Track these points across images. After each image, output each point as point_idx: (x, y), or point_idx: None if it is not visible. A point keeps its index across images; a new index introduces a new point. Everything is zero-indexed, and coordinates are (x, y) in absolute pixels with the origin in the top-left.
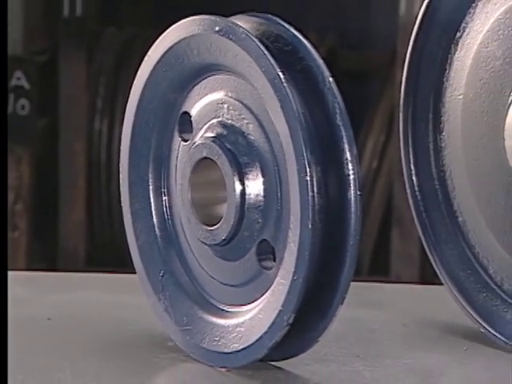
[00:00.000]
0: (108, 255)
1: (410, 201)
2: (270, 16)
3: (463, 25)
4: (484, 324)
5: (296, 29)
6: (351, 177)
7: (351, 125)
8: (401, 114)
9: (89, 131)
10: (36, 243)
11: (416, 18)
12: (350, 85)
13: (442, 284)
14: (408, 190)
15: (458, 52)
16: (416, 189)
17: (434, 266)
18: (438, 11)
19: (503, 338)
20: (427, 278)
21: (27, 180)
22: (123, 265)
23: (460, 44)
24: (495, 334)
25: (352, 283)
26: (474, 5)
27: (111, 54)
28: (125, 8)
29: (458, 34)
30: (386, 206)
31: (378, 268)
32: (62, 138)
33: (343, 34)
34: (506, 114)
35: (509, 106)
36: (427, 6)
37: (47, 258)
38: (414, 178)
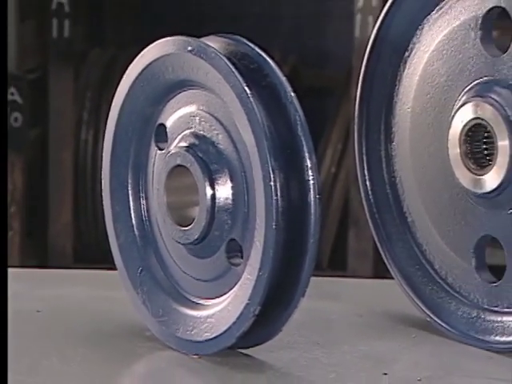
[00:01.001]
0: (93, 253)
1: (364, 203)
2: (237, 37)
3: (411, 45)
4: (430, 314)
5: (261, 49)
6: (311, 182)
7: (311, 135)
8: (355, 126)
9: (76, 141)
10: (28, 242)
11: (369, 39)
12: (311, 100)
13: (393, 278)
14: (362, 194)
15: (406, 70)
16: (369, 193)
17: (386, 262)
18: (389, 33)
19: (447, 327)
20: (380, 272)
21: (20, 185)
22: (107, 262)
23: (408, 63)
24: (440, 323)
25: (312, 278)
26: (420, 27)
27: (96, 71)
28: (108, 31)
29: (407, 54)
30: (344, 208)
31: (336, 264)
32: (51, 147)
33: (304, 54)
34: (450, 126)
35: (452, 119)
36: (378, 29)
37: (38, 256)
38: (367, 182)
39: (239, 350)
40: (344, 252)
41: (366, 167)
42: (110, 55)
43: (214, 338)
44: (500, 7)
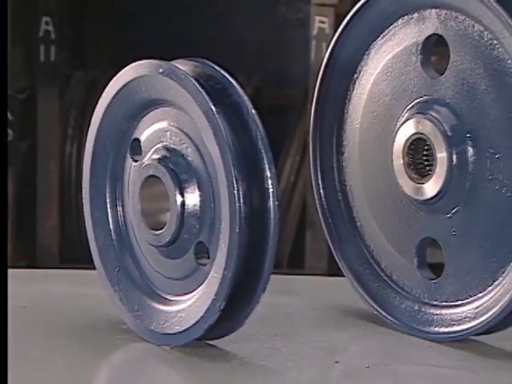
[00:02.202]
0: (77, 254)
1: (318, 209)
2: (204, 60)
3: (359, 68)
4: (377, 308)
5: (226, 71)
6: (270, 190)
7: (272, 148)
8: (310, 140)
9: (61, 154)
10: (18, 244)
11: (322, 63)
12: (273, 117)
13: (344, 276)
14: (317, 201)
15: (355, 90)
16: (323, 199)
17: (338, 261)
18: (339, 58)
19: (392, 319)
20: (334, 270)
21: (11, 193)
22: (89, 262)
23: (357, 83)
24: (386, 315)
25: (273, 275)
26: (367, 52)
27: (79, 91)
28: (90, 56)
29: (355, 76)
30: (301, 212)
31: (294, 263)
32: (39, 159)
33: (266, 76)
34: (394, 140)
35: (396, 133)
36: (330, 54)
37: (28, 257)
38: (321, 190)
39: (207, 341)
40: (302, 252)
41: (320, 176)
42: (91, 77)
43: (184, 330)
44: (437, 34)
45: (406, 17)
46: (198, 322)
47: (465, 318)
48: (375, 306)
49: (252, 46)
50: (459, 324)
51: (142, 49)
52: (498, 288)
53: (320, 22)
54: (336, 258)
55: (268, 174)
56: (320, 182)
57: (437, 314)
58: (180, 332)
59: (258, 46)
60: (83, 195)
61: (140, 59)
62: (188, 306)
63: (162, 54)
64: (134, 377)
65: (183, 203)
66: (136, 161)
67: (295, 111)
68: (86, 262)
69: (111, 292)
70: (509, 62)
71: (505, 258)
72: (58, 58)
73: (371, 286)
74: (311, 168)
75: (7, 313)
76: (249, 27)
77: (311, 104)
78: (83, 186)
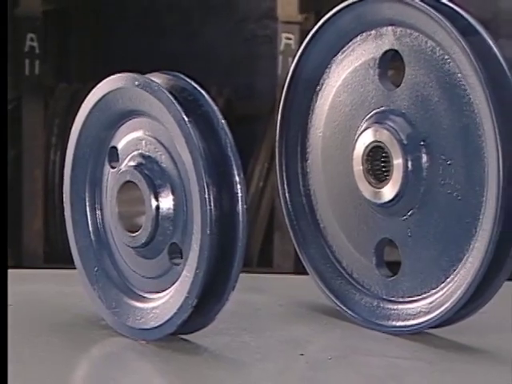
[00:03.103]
0: (60, 255)
1: (284, 212)
2: (177, 74)
3: (321, 81)
4: (339, 303)
5: (197, 83)
6: (239, 195)
7: (243, 155)
8: (277, 148)
9: (45, 161)
10: None
11: (288, 76)
12: (243, 126)
13: (308, 274)
14: (282, 204)
15: (318, 101)
16: (288, 203)
17: (302, 260)
18: (303, 71)
19: (353, 314)
20: (300, 269)
21: None
22: (72, 263)
23: (320, 95)
24: (347, 311)
25: (243, 274)
26: (329, 66)
27: (62, 102)
28: (72, 69)
29: (318, 88)
30: (270, 215)
31: (263, 262)
32: (25, 166)
33: (237, 89)
34: (354, 148)
35: (356, 142)
36: (295, 68)
37: (14, 258)
38: (287, 195)
39: (180, 335)
40: (270, 252)
41: (285, 182)
42: (73, 89)
43: (159, 326)
44: (393, 50)
45: (364, 34)
46: (171, 317)
47: (420, 312)
48: (337, 301)
49: (224, 60)
50: (414, 318)
51: (121, 63)
52: (450, 285)
53: (286, 39)
54: (301, 257)
55: (237, 179)
56: (286, 187)
57: (394, 309)
58: (155, 327)
59: (230, 61)
60: (64, 200)
61: (118, 72)
62: (162, 303)
63: (139, 67)
64: (112, 369)
65: (158, 207)
66: (113, 167)
67: (264, 121)
68: (69, 262)
69: (90, 290)
70: (459, 75)
71: (456, 256)
72: (41, 71)
73: (333, 283)
74: (277, 174)
75: (7, 313)
76: (221, 43)
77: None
78: (64, 191)
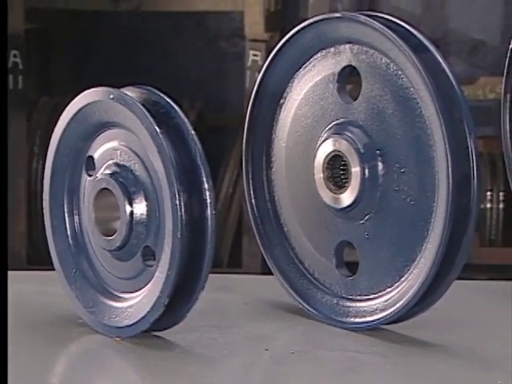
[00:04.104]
0: (42, 257)
1: (251, 217)
2: (150, 88)
3: (285, 94)
4: (301, 302)
5: (170, 97)
6: (208, 201)
7: (213, 163)
8: (243, 156)
9: (28, 170)
10: None
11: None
12: (214, 136)
13: (273, 274)
14: (249, 209)
15: (281, 113)
16: (255, 208)
17: (267, 261)
18: (268, 85)
19: (314, 311)
20: (267, 270)
21: None
22: (53, 264)
23: (283, 108)
24: (309, 308)
25: (214, 274)
26: (291, 81)
27: (44, 115)
28: (53, 84)
29: (282, 101)
30: (239, 219)
31: (233, 263)
32: (9, 175)
33: (208, 102)
34: (315, 157)
35: (317, 151)
36: (260, 82)
37: None
38: (253, 200)
39: (153, 332)
40: (239, 254)
41: (251, 189)
42: (54, 102)
43: (133, 323)
44: (351, 66)
45: (324, 51)
46: (145, 316)
47: (376, 309)
48: (300, 300)
49: (195, 75)
50: (371, 315)
51: (98, 78)
52: (404, 284)
53: (253, 55)
54: (266, 258)
55: (206, 186)
56: (252, 193)
57: (352, 307)
58: (129, 325)
59: (201, 76)
60: (44, 206)
61: (95, 87)
62: (136, 303)
63: (115, 82)
64: (89, 365)
65: (132, 212)
66: (90, 175)
67: (233, 132)
68: (51, 264)
69: (69, 291)
70: (411, 89)
71: (409, 257)
72: (24, 86)
73: (296, 282)
74: (244, 181)
75: (7, 314)
76: (193, 60)
77: None
78: (44, 197)
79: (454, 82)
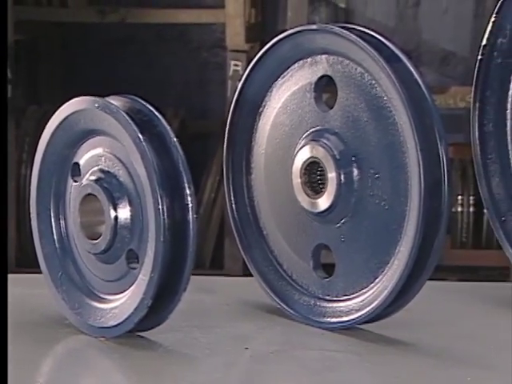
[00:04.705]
0: (30, 261)
1: (231, 221)
2: (133, 97)
3: (264, 103)
4: (280, 302)
5: (153, 106)
6: (190, 205)
7: (196, 169)
8: (224, 162)
9: (17, 176)
10: None
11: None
12: (196, 143)
13: (253, 276)
14: (229, 214)
15: (260, 121)
16: (235, 213)
17: (247, 264)
18: (247, 94)
19: (292, 312)
20: (248, 272)
21: None
22: (39, 267)
23: (262, 116)
24: (287, 309)
25: (196, 276)
26: (270, 90)
27: (32, 123)
28: (41, 92)
29: (261, 109)
30: (221, 223)
31: (215, 265)
32: None
33: (191, 110)
34: (293, 163)
35: (295, 157)
36: (240, 91)
37: None
38: (233, 205)
39: (137, 333)
40: (221, 256)
41: (232, 194)
42: (43, 111)
43: (117, 324)
44: (327, 75)
45: (301, 61)
46: (129, 317)
47: (352, 309)
48: (278, 301)
49: (179, 85)
50: (347, 315)
51: (86, 87)
52: (379, 285)
53: (234, 65)
54: (246, 261)
55: (188, 191)
56: (232, 198)
57: (329, 307)
58: (114, 326)
59: (184, 85)
60: (31, 211)
61: (81, 96)
62: (121, 304)
63: (101, 91)
64: (75, 364)
65: (116, 217)
66: (76, 181)
67: (215, 139)
68: (38, 267)
69: (55, 293)
70: (385, 98)
71: (383, 259)
72: (14, 94)
73: (275, 284)
74: (225, 186)
75: (7, 314)
76: (176, 70)
77: None
78: (31, 203)
79: (425, 92)
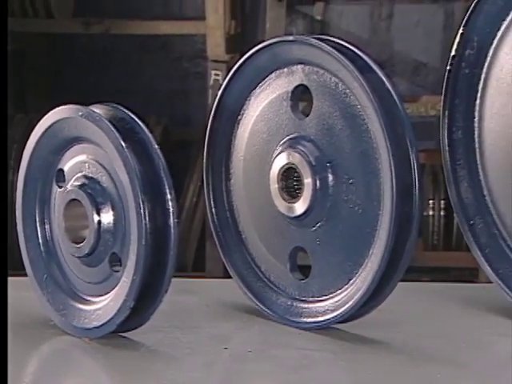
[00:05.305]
0: (16, 264)
1: (211, 224)
2: (116, 105)
3: (242, 111)
4: (258, 303)
5: (135, 114)
6: (171, 210)
7: (178, 175)
8: (204, 169)
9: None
10: None
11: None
12: (179, 150)
13: (232, 278)
14: (209, 218)
15: (239, 129)
16: (214, 217)
17: (227, 266)
18: (226, 103)
19: (270, 312)
20: (229, 274)
21: None
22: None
23: (241, 123)
24: (265, 309)
25: (177, 279)
26: (248, 99)
27: (19, 130)
28: (28, 101)
29: (239, 117)
30: (202, 226)
31: (197, 267)
32: None
33: (173, 118)
34: (270, 168)
35: (272, 163)
36: (219, 99)
37: None
38: (213, 209)
39: (119, 333)
40: (203, 259)
41: (212, 198)
42: (29, 119)
43: (101, 325)
44: (303, 85)
45: (278, 71)
46: (112, 318)
47: (327, 310)
48: (256, 301)
49: (161, 94)
50: (323, 315)
51: (71, 96)
52: (353, 286)
53: (215, 75)
54: (225, 263)
55: (169, 197)
56: (212, 203)
57: (305, 308)
58: (97, 327)
59: (167, 94)
60: (16, 216)
61: (65, 104)
62: (104, 305)
63: (86, 100)
64: (59, 364)
65: (99, 221)
66: (60, 187)
67: (196, 146)
68: (24, 270)
69: (40, 295)
70: (358, 107)
71: (357, 262)
72: None
73: (253, 285)
74: (205, 191)
75: (7, 315)
76: (159, 79)
77: None
78: (16, 208)
79: (397, 100)
